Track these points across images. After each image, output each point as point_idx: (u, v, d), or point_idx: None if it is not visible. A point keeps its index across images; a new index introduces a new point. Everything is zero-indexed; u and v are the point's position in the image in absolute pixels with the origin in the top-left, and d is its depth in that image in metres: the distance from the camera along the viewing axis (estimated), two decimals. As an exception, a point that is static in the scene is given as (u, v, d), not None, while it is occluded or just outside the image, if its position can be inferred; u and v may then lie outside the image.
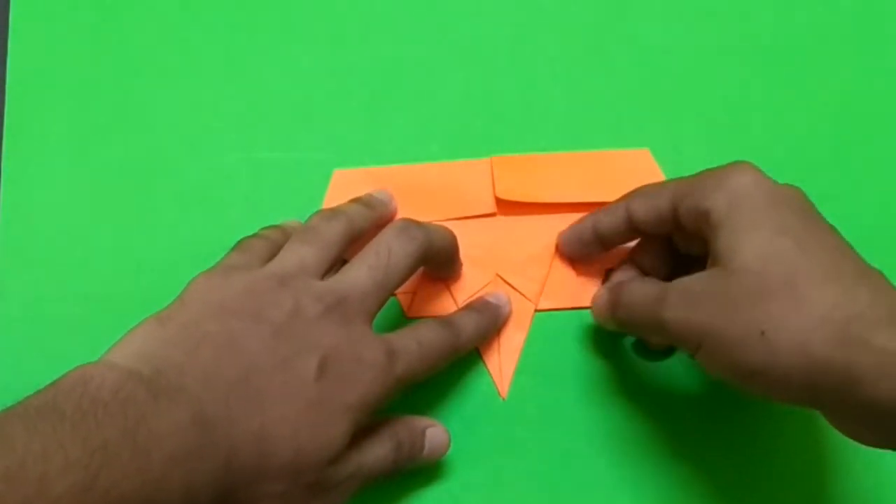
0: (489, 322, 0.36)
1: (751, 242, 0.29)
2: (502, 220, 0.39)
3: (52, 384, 0.25)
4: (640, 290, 0.33)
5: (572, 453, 0.36)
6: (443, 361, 0.33)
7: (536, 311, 0.38)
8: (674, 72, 0.41)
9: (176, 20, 0.40)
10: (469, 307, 0.36)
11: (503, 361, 0.37)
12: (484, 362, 0.37)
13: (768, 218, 0.29)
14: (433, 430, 0.34)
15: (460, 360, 0.36)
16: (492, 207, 0.39)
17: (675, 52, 0.41)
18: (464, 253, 0.37)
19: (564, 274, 0.38)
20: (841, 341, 0.26)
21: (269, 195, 0.38)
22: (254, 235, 0.34)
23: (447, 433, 0.34)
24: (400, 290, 0.36)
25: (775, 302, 0.28)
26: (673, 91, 0.41)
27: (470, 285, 0.37)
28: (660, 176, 0.39)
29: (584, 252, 0.37)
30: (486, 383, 0.37)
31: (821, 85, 0.41)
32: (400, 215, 0.38)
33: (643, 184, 0.35)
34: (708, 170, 0.32)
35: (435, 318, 0.34)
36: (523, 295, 0.37)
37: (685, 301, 0.30)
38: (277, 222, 0.36)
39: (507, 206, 0.39)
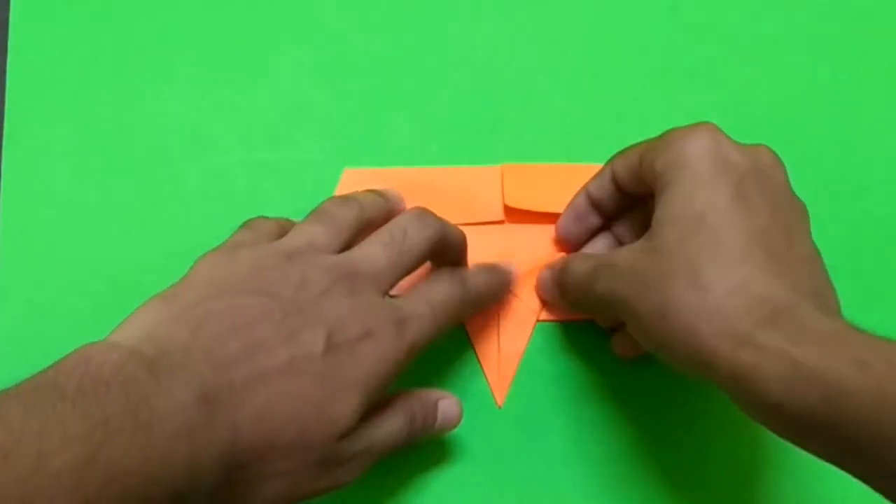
0: (500, 281, 0.36)
1: (678, 216, 0.29)
2: (510, 228, 0.38)
3: (53, 365, 0.25)
4: (578, 267, 0.33)
5: (567, 462, 0.36)
6: (455, 320, 0.32)
7: (538, 321, 0.37)
8: (683, 86, 0.41)
9: (176, 20, 0.40)
10: (479, 266, 0.35)
11: (502, 369, 0.37)
12: (482, 369, 0.37)
13: (707, 189, 0.28)
14: (445, 402, 0.33)
15: (458, 365, 0.37)
16: (500, 215, 0.38)
17: (685, 66, 0.41)
18: (470, 258, 0.36)
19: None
20: (729, 335, 0.26)
21: (269, 195, 0.38)
22: (262, 216, 0.34)
23: (459, 405, 0.34)
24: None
25: (677, 286, 0.27)
26: (682, 105, 0.40)
27: (475, 290, 0.37)
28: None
29: (582, 229, 0.36)
30: (483, 390, 0.37)
31: (824, 87, 0.41)
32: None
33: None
34: (674, 128, 0.31)
35: (446, 270, 0.33)
36: (526, 305, 0.37)
37: (610, 273, 0.30)
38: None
39: (515, 214, 0.38)
